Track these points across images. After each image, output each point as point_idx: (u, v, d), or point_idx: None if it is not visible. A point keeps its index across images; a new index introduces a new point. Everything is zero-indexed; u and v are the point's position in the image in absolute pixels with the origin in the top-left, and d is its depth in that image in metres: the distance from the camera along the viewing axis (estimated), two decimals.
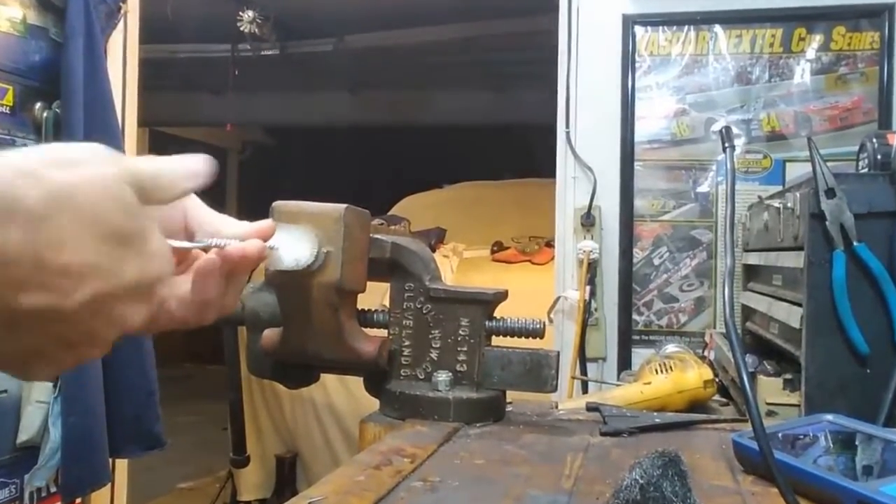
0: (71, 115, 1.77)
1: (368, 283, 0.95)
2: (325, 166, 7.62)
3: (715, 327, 2.22)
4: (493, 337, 1.03)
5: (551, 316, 2.37)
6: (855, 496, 0.68)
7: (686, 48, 2.33)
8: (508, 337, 1.03)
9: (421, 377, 1.02)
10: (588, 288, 2.31)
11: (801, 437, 0.86)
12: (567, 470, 0.82)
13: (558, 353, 1.02)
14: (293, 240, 0.77)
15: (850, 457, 0.82)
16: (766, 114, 2.29)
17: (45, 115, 1.83)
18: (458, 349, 1.01)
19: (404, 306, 1.02)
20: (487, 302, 1.01)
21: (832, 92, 2.26)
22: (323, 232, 0.86)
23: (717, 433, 1.01)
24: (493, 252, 3.89)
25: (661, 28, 2.34)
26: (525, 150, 5.80)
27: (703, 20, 2.32)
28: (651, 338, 2.32)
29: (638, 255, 2.34)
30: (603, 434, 0.98)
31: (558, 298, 2.38)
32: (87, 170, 0.47)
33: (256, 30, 4.62)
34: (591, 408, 1.12)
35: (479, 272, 3.58)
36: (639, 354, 2.27)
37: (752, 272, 1.74)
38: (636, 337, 2.34)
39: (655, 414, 1.14)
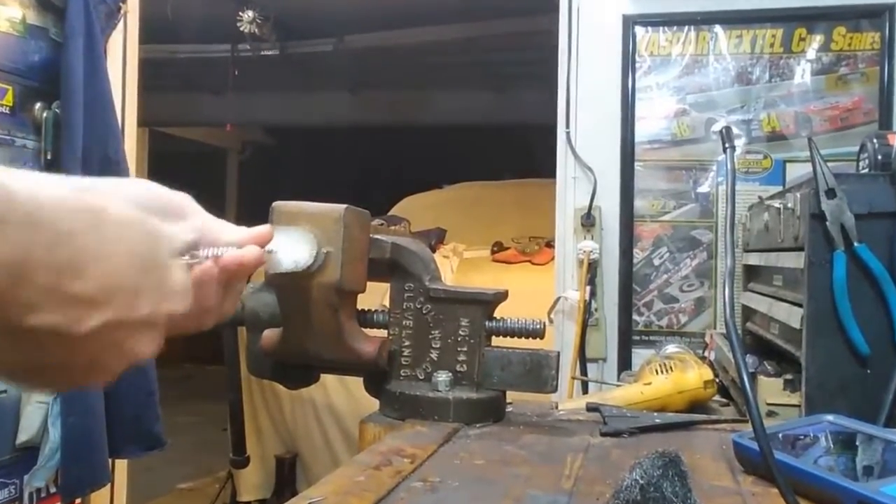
0: (71, 116, 1.77)
1: (368, 284, 0.95)
2: (325, 166, 7.62)
3: (715, 328, 2.22)
4: (493, 337, 1.03)
5: (551, 316, 2.37)
6: (855, 496, 0.68)
7: (686, 48, 2.33)
8: (508, 337, 1.03)
9: (421, 377, 1.02)
10: (588, 288, 2.31)
11: (802, 437, 0.86)
12: (567, 470, 0.82)
13: (558, 353, 1.02)
14: (292, 242, 0.77)
15: (850, 457, 0.82)
16: (766, 114, 2.29)
17: (44, 115, 1.83)
18: (458, 349, 1.01)
19: (404, 306, 1.02)
20: (487, 302, 1.01)
21: (832, 92, 2.26)
22: (323, 232, 0.86)
23: (718, 433, 1.01)
24: (493, 252, 3.89)
25: (661, 28, 2.34)
26: (525, 151, 5.80)
27: (703, 20, 2.32)
28: (651, 338, 2.32)
29: (638, 255, 2.34)
30: (603, 434, 0.98)
31: (558, 299, 2.38)
32: (119, 195, 0.47)
33: (256, 30, 4.62)
34: (592, 408, 1.12)
35: (479, 272, 3.58)
36: (639, 355, 2.27)
37: (752, 273, 1.74)
38: (636, 337, 2.34)
39: (656, 414, 1.14)
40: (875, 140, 1.17)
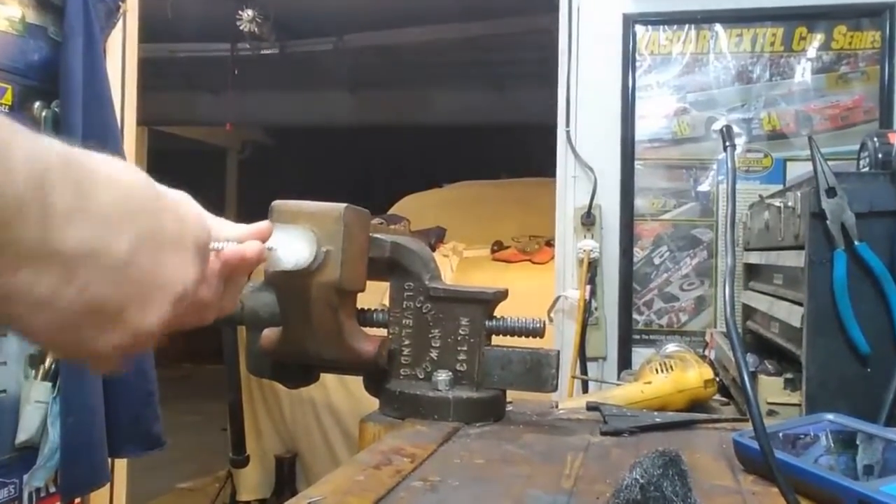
0: (70, 115, 1.76)
1: (368, 283, 0.95)
2: (325, 166, 7.62)
3: (715, 326, 2.22)
4: (493, 336, 1.03)
5: (551, 315, 2.37)
6: (856, 496, 0.68)
7: (687, 47, 2.33)
8: (508, 336, 1.03)
9: (421, 377, 1.02)
10: (588, 287, 2.31)
11: (802, 436, 0.85)
12: (567, 469, 0.82)
13: (558, 352, 1.02)
14: (292, 240, 0.77)
15: (850, 456, 0.82)
16: (766, 113, 2.29)
17: (43, 114, 1.83)
18: (458, 348, 1.01)
19: (404, 306, 1.02)
20: (487, 301, 1.01)
21: (833, 91, 2.25)
22: (322, 231, 0.86)
23: (718, 433, 1.01)
24: (493, 251, 3.89)
25: (661, 27, 2.34)
26: (525, 150, 5.80)
27: (703, 19, 2.32)
28: (651, 337, 2.32)
29: (638, 254, 2.34)
30: (603, 433, 0.98)
31: (558, 298, 2.38)
32: None
33: (256, 29, 4.62)
34: (592, 407, 1.11)
35: (479, 271, 3.57)
36: (639, 354, 2.27)
37: (752, 271, 1.74)
38: (636, 336, 2.33)
39: (656, 413, 1.14)
40: (875, 139, 1.17)
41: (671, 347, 1.94)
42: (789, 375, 1.24)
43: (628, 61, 2.34)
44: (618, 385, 1.58)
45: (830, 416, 0.88)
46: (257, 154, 8.55)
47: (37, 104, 1.83)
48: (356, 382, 1.07)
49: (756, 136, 2.30)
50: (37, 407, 1.81)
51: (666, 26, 2.34)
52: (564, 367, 2.14)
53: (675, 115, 2.34)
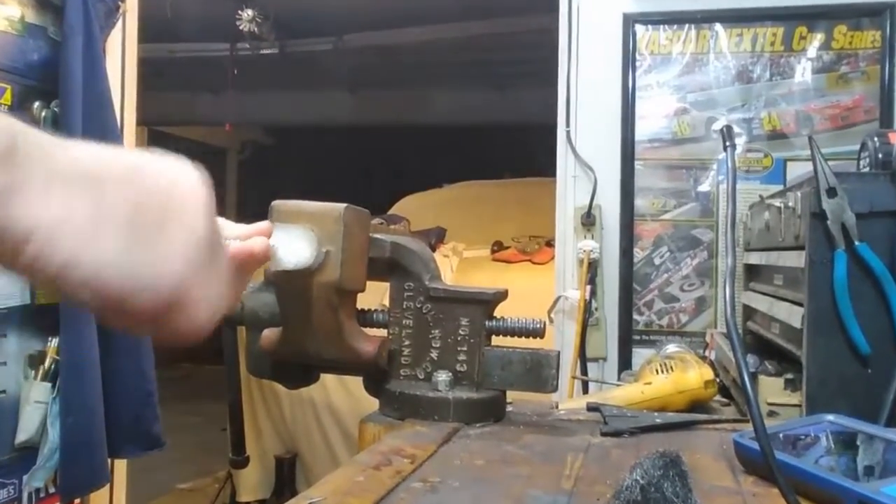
0: (69, 115, 1.76)
1: (368, 283, 0.95)
2: (325, 166, 7.62)
3: (716, 327, 2.22)
4: (494, 337, 1.03)
5: (552, 316, 2.37)
6: (856, 496, 0.68)
7: (687, 47, 2.33)
8: (509, 337, 1.02)
9: (421, 377, 1.01)
10: (588, 287, 2.31)
11: (803, 437, 0.85)
12: (567, 470, 0.82)
13: (559, 352, 1.01)
14: (292, 239, 0.77)
15: (851, 457, 0.82)
16: (767, 113, 2.29)
17: (43, 114, 1.83)
18: (458, 349, 1.00)
19: (404, 306, 1.02)
20: (487, 301, 1.01)
21: (833, 91, 2.25)
22: (322, 231, 0.86)
23: (718, 433, 1.01)
24: (493, 251, 3.88)
25: (661, 27, 2.34)
26: (525, 150, 5.80)
27: (703, 19, 2.32)
28: (652, 338, 2.32)
29: (638, 254, 2.34)
30: (603, 434, 0.98)
31: (559, 298, 2.38)
32: None
33: (256, 29, 4.62)
34: (592, 408, 1.11)
35: (479, 272, 3.57)
36: (639, 354, 2.27)
37: (753, 272, 1.74)
38: (637, 337, 2.33)
39: (656, 414, 1.14)
40: (876, 138, 1.16)
41: (671, 348, 1.94)
42: (789, 376, 1.24)
43: (628, 61, 2.34)
44: (618, 386, 1.57)
45: (831, 417, 0.88)
46: (257, 154, 8.55)
47: (36, 104, 1.83)
48: (356, 383, 1.07)
49: (756, 136, 2.29)
50: (36, 407, 1.81)
51: (666, 26, 2.34)
52: (565, 368, 2.14)
53: (676, 114, 2.34)
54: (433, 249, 3.73)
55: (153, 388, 1.96)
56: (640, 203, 2.34)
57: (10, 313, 1.80)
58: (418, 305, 1.01)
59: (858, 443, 0.83)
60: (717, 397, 1.43)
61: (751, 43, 2.30)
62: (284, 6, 4.70)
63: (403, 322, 1.02)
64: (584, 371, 2.31)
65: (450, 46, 5.24)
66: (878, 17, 2.22)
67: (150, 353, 1.96)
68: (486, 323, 1.01)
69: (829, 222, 1.06)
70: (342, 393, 3.26)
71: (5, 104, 1.76)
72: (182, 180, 0.50)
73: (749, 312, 1.69)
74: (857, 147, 1.24)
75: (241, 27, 4.58)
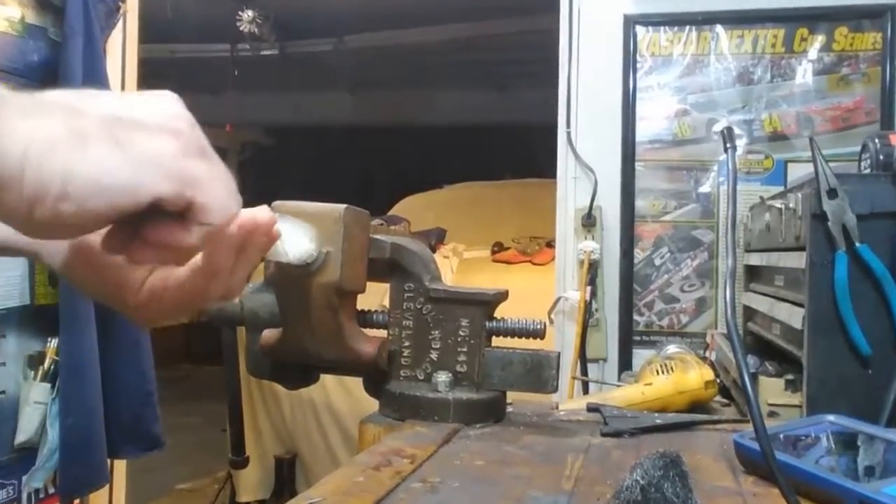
0: None
1: (368, 284, 0.95)
2: (325, 167, 7.62)
3: (716, 328, 2.22)
4: (494, 337, 1.03)
5: (552, 316, 2.37)
6: (857, 497, 0.68)
7: (687, 48, 2.33)
8: (509, 337, 1.02)
9: (421, 378, 1.01)
10: (589, 288, 2.31)
11: (803, 437, 0.85)
12: (568, 471, 0.81)
13: (559, 353, 1.01)
14: (294, 231, 0.76)
15: (851, 458, 0.82)
16: (767, 114, 2.29)
17: None
18: (459, 350, 1.00)
19: (404, 307, 1.02)
20: (488, 302, 1.01)
21: (834, 92, 2.25)
22: (322, 232, 0.86)
23: (719, 434, 1.01)
24: (493, 252, 3.88)
25: (662, 28, 2.34)
26: (526, 150, 5.81)
27: (704, 20, 2.32)
28: (652, 338, 2.32)
29: (639, 255, 2.34)
30: (604, 435, 0.98)
31: (559, 299, 2.38)
32: None
33: (256, 30, 4.63)
34: (592, 408, 1.11)
35: (480, 273, 3.57)
36: (640, 355, 2.27)
37: (753, 273, 1.73)
38: (637, 337, 2.33)
39: (656, 415, 1.14)
40: (877, 140, 1.16)
41: (672, 349, 1.94)
42: (790, 377, 1.24)
43: (629, 62, 2.34)
44: (618, 386, 1.57)
45: (831, 418, 0.87)
46: (257, 155, 8.54)
47: None
48: (356, 383, 1.07)
49: (757, 137, 2.29)
50: (36, 408, 1.81)
51: (667, 27, 2.34)
52: (565, 369, 2.14)
53: (676, 116, 2.34)
54: (433, 250, 3.73)
55: (153, 389, 1.96)
56: (641, 204, 2.34)
57: (10, 314, 1.80)
58: (418, 306, 1.01)
59: (859, 443, 0.83)
60: (718, 398, 1.43)
61: (751, 44, 2.30)
62: (284, 7, 4.70)
63: (403, 323, 1.02)
64: (585, 372, 2.30)
65: (450, 46, 5.25)
66: (879, 19, 2.22)
67: (149, 354, 1.96)
68: (487, 324, 1.00)
69: (829, 223, 1.06)
70: (342, 393, 3.26)
71: None
72: (162, 97, 0.51)
73: (749, 313, 1.69)
74: (858, 149, 1.24)
75: (241, 28, 4.58)
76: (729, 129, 0.99)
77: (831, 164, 1.09)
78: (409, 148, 7.65)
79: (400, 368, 1.02)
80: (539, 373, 0.99)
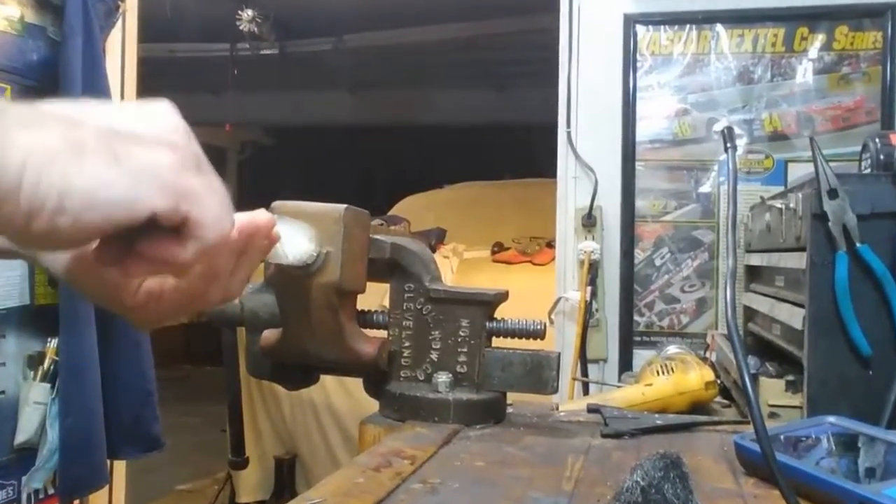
0: None
1: (368, 284, 0.94)
2: (325, 166, 7.62)
3: (717, 328, 2.22)
4: (494, 338, 1.03)
5: (552, 317, 2.37)
6: (857, 498, 0.68)
7: (688, 48, 2.33)
8: (509, 338, 1.02)
9: (421, 378, 1.01)
10: (589, 289, 2.30)
11: (804, 439, 0.85)
12: (568, 472, 0.81)
13: (559, 354, 1.01)
14: (294, 233, 0.76)
15: (852, 459, 0.82)
16: (768, 114, 2.29)
17: None
18: (459, 350, 1.00)
19: (404, 307, 1.02)
20: (488, 303, 1.01)
21: (835, 92, 2.25)
22: (322, 232, 0.86)
23: (719, 435, 1.01)
24: (493, 253, 3.88)
25: (662, 27, 2.34)
26: (526, 150, 5.81)
27: (704, 19, 2.32)
28: (652, 339, 2.31)
29: (639, 255, 2.33)
30: (604, 436, 0.98)
31: (559, 299, 2.38)
32: None
33: (256, 29, 4.62)
34: (592, 409, 1.11)
35: (480, 273, 3.57)
36: (640, 356, 2.26)
37: (754, 273, 1.73)
38: (637, 338, 2.33)
39: (657, 415, 1.14)
40: (877, 140, 1.16)
41: (672, 349, 1.93)
42: (790, 377, 1.24)
43: (629, 62, 2.34)
44: (618, 387, 1.57)
45: (832, 419, 0.87)
46: (257, 155, 8.55)
47: None
48: (356, 384, 1.07)
49: (757, 137, 2.29)
50: (35, 408, 1.80)
51: (667, 26, 2.34)
52: (565, 369, 2.14)
53: (676, 115, 2.33)
54: (433, 250, 3.73)
55: (153, 389, 1.96)
56: (641, 204, 2.34)
57: (10, 314, 1.80)
58: (418, 306, 1.01)
59: (860, 444, 0.83)
60: (718, 399, 1.43)
61: (752, 44, 2.30)
62: (284, 6, 4.70)
63: (403, 323, 1.02)
64: (585, 372, 2.30)
65: (450, 46, 5.25)
66: (880, 18, 2.22)
67: (149, 354, 1.96)
68: (487, 324, 1.00)
69: (830, 224, 1.06)
70: (342, 394, 3.26)
71: None
72: (159, 109, 0.51)
73: (750, 314, 1.69)
74: (859, 148, 1.24)
75: (241, 27, 4.58)
76: (729, 128, 0.99)
77: (832, 164, 1.08)
78: (409, 148, 7.65)
79: (400, 369, 1.02)
80: (539, 373, 0.99)
